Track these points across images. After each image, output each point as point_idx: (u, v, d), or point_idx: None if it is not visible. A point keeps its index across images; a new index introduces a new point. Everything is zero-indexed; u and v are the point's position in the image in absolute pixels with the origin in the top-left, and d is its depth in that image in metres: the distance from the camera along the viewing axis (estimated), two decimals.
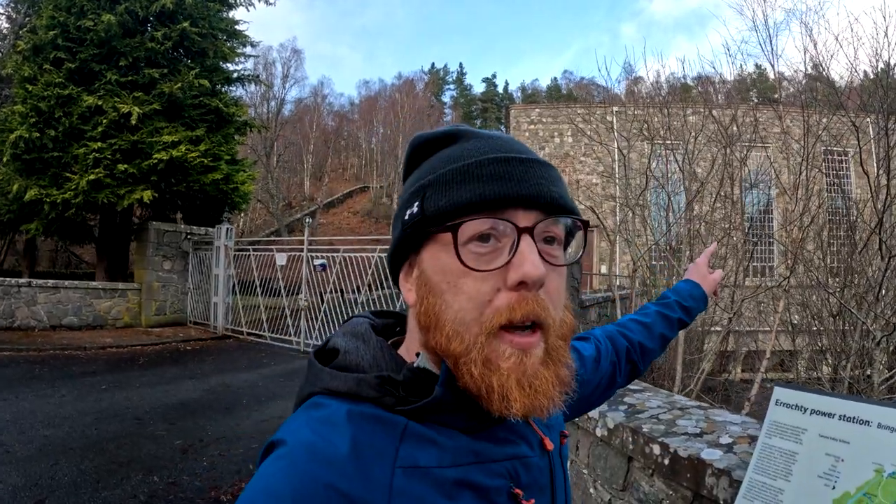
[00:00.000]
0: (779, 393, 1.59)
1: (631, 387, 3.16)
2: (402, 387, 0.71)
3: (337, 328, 0.87)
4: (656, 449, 2.17)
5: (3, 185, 15.56)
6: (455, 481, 0.67)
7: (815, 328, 7.61)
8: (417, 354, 0.75)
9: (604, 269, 23.24)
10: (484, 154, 0.75)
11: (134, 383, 9.05)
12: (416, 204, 0.76)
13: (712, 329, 9.16)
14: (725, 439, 2.08)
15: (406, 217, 0.77)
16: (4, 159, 15.06)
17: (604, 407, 2.74)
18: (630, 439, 2.39)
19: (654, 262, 10.38)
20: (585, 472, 2.96)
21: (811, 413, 1.44)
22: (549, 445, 0.86)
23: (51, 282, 14.83)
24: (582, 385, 1.12)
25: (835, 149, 6.73)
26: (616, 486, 2.58)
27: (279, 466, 0.62)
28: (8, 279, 14.34)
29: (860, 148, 6.03)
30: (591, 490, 2.86)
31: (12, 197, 15.29)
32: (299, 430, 0.66)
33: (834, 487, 1.28)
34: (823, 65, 7.43)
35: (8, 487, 4.82)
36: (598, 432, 2.69)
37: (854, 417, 1.35)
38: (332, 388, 0.72)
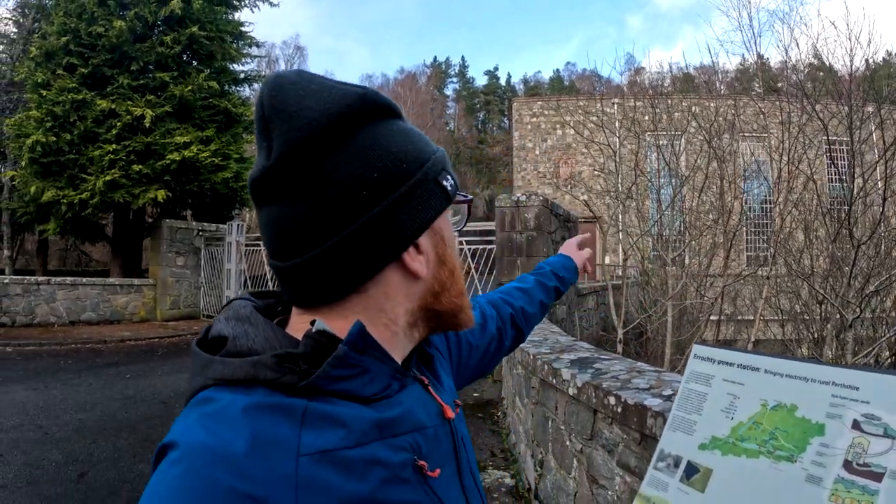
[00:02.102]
0: (696, 349, 1.96)
1: (602, 355, 3.67)
2: (303, 359, 0.68)
3: None
4: (612, 400, 2.66)
5: (21, 187, 16.10)
6: (362, 460, 0.66)
7: (806, 317, 7.88)
8: (312, 322, 0.71)
9: (607, 261, 23.63)
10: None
11: (156, 372, 9.57)
12: (449, 177, 0.82)
13: (700, 316, 9.54)
14: (667, 391, 2.56)
15: (448, 187, 0.81)
16: (22, 163, 15.59)
17: (574, 370, 3.24)
18: (593, 394, 2.88)
19: (653, 252, 10.71)
20: (563, 427, 3.46)
21: (718, 363, 1.82)
22: (450, 413, 0.86)
23: (69, 279, 15.39)
24: (473, 350, 1.27)
25: (843, 139, 6.92)
26: (585, 435, 3.08)
27: (174, 474, 0.58)
28: (28, 277, 14.90)
29: (829, 144, 6.44)
30: (568, 442, 3.36)
31: (29, 199, 15.89)
32: (192, 430, 0.62)
33: (732, 418, 1.63)
34: (801, 64, 7.81)
35: (51, 463, 5.32)
36: (570, 391, 3.19)
37: (747, 366, 1.73)
38: (225, 377, 0.68)
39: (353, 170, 0.72)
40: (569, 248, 1.84)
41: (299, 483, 0.60)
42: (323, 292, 0.75)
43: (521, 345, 4.60)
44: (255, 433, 0.61)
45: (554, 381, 3.53)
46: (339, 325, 0.72)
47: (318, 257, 0.72)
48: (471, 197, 0.92)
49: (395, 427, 0.72)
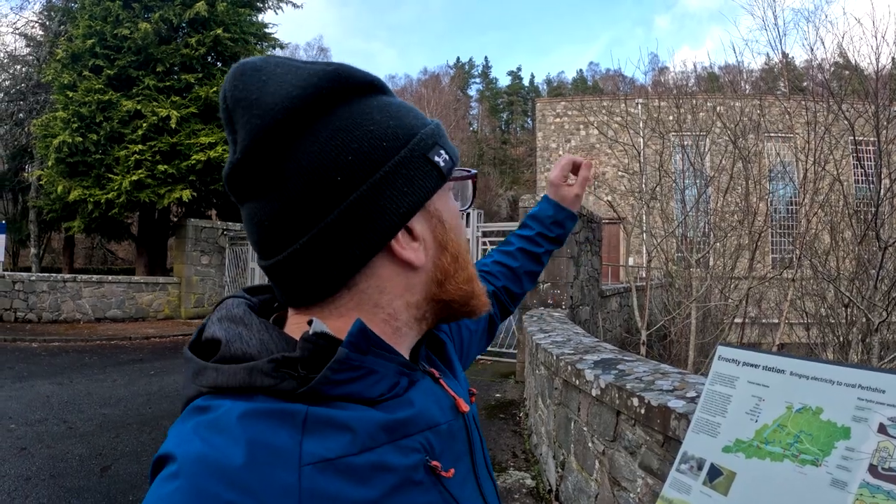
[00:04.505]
0: (720, 350, 1.94)
1: (625, 357, 3.65)
2: (301, 364, 0.63)
3: None
4: (635, 401, 2.64)
5: (48, 186, 16.38)
6: (369, 466, 0.62)
7: (832, 320, 7.76)
8: (310, 322, 0.65)
9: (631, 262, 23.52)
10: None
11: (179, 369, 9.57)
12: (443, 152, 0.75)
13: (725, 319, 9.46)
14: (691, 393, 2.53)
15: (442, 164, 0.74)
16: (49, 162, 15.85)
17: (598, 371, 3.22)
18: (617, 395, 2.87)
19: (678, 254, 10.63)
20: (585, 429, 3.44)
21: (742, 365, 1.80)
22: (465, 407, 0.80)
23: (95, 277, 15.62)
24: (472, 336, 1.21)
25: (869, 139, 6.76)
26: (608, 437, 3.06)
27: (172, 489, 0.54)
28: (54, 275, 15.16)
29: (855, 145, 6.35)
30: (590, 444, 3.35)
31: (55, 197, 16.16)
32: (189, 442, 0.58)
33: (756, 420, 1.60)
34: (827, 63, 7.72)
35: (75, 457, 5.41)
36: (593, 392, 3.17)
37: (773, 367, 1.71)
38: (219, 384, 0.63)
39: (326, 155, 0.66)
40: (556, 192, 1.50)
41: (302, 495, 0.56)
42: (309, 290, 0.70)
43: (545, 345, 4.62)
44: (253, 443, 0.57)
45: (577, 381, 3.51)
46: (334, 324, 0.68)
47: (297, 253, 0.68)
48: (474, 171, 0.85)
49: (406, 428, 0.68)
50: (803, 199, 8.38)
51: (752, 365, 1.81)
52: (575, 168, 1.49)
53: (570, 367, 3.67)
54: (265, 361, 0.62)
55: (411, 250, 0.72)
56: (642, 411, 2.58)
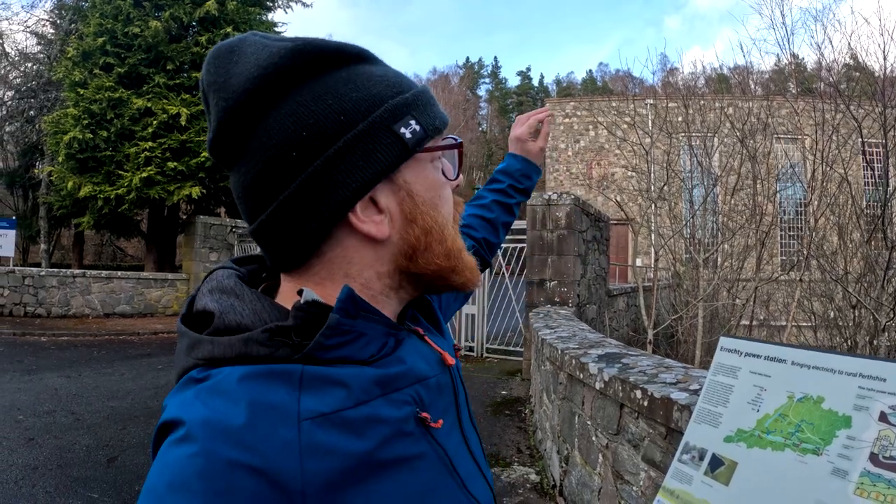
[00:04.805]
0: (723, 341, 1.94)
1: (629, 351, 3.65)
2: (295, 332, 0.65)
3: None
4: (638, 394, 2.65)
5: (58, 182, 16.50)
6: (364, 419, 0.64)
7: (840, 322, 7.70)
8: (300, 292, 0.67)
9: (638, 262, 23.48)
10: (415, 83, 0.79)
11: None
12: (413, 122, 0.73)
13: (732, 320, 9.44)
14: (694, 386, 2.54)
15: (408, 135, 0.72)
16: (59, 159, 15.97)
17: (602, 364, 3.23)
18: (620, 388, 2.88)
19: (686, 255, 10.60)
20: (589, 422, 3.45)
21: (745, 355, 1.80)
22: (451, 360, 0.83)
23: (104, 272, 15.72)
24: (449, 295, 1.20)
25: (878, 140, 6.72)
26: (611, 430, 3.07)
27: (181, 453, 0.56)
28: (63, 270, 15.23)
29: (863, 144, 6.33)
30: (594, 437, 3.36)
31: (65, 193, 16.30)
32: (192, 406, 0.59)
33: (758, 410, 1.61)
34: (837, 64, 7.70)
35: (82, 447, 5.47)
36: (597, 385, 3.18)
37: (775, 357, 1.72)
38: (216, 356, 0.65)
39: (283, 131, 0.68)
40: (521, 146, 1.59)
41: (303, 449, 0.58)
42: (283, 258, 0.73)
43: (550, 340, 4.63)
44: (252, 403, 0.58)
45: (581, 375, 3.52)
46: (315, 292, 0.70)
47: (264, 224, 0.71)
48: (460, 140, 0.84)
49: (398, 382, 0.70)
50: (811, 200, 8.35)
51: (754, 355, 1.80)
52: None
53: (574, 361, 3.68)
54: (260, 331, 0.64)
55: (372, 223, 0.72)
56: (645, 403, 2.59)
